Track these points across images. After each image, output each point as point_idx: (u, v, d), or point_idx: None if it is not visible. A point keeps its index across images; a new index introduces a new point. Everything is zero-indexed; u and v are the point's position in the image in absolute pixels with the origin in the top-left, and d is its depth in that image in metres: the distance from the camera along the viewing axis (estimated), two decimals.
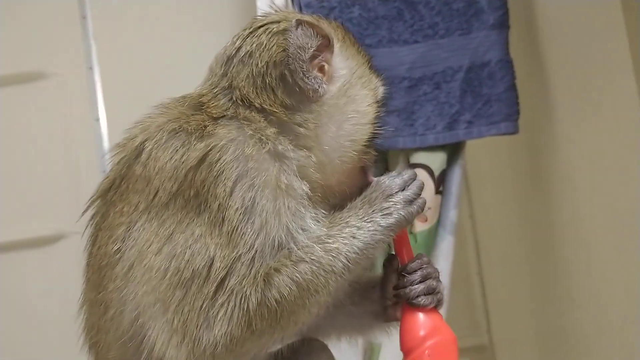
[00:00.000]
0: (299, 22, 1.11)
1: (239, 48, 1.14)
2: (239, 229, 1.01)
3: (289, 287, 1.02)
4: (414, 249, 2.12)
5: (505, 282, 2.88)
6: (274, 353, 1.14)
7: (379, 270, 1.28)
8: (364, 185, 1.17)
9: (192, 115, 1.09)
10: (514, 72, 2.19)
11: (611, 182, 1.98)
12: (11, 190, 3.12)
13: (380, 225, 1.10)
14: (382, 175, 1.18)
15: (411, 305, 1.14)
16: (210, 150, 1.03)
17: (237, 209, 1.01)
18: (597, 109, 2.00)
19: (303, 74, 1.10)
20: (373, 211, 1.11)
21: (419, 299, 1.13)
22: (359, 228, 1.09)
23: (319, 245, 1.06)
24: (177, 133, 1.05)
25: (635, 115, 1.82)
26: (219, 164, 1.02)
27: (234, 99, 1.11)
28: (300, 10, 2.06)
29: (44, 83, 3.17)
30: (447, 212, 2.22)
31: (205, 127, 1.06)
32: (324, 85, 1.12)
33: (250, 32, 1.15)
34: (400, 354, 1.12)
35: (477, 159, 2.94)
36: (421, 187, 1.15)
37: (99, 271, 1.12)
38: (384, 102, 1.23)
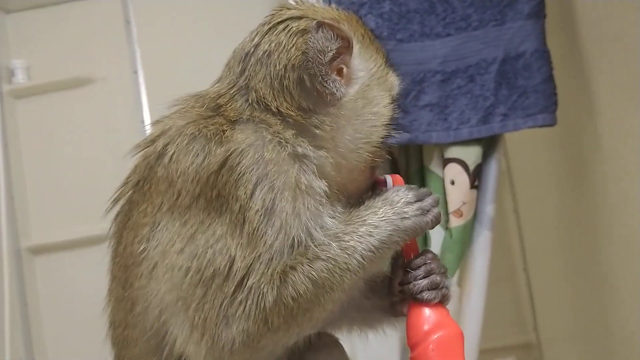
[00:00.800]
0: (320, 24, 1.09)
1: (257, 45, 1.13)
2: (260, 229, 1.02)
3: (305, 285, 1.03)
4: (449, 244, 2.12)
5: (552, 278, 2.81)
6: (291, 347, 1.15)
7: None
8: (372, 184, 1.18)
9: (210, 117, 1.10)
10: (551, 63, 2.13)
11: None
12: (62, 192, 3.25)
13: (398, 227, 1.11)
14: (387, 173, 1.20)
15: (416, 300, 1.14)
16: (230, 155, 1.04)
17: (257, 210, 1.02)
18: None
19: (322, 77, 1.09)
20: (393, 213, 1.11)
21: (423, 294, 1.13)
22: (376, 227, 1.09)
23: (336, 243, 1.07)
24: (196, 137, 1.06)
25: None
26: (239, 167, 1.03)
27: (251, 101, 1.11)
28: (330, 4, 2.06)
29: (91, 88, 3.29)
30: (484, 207, 2.17)
31: (224, 131, 1.06)
32: (342, 89, 1.11)
33: (270, 29, 1.14)
34: None
35: (519, 152, 2.89)
36: (437, 201, 1.17)
37: (125, 269, 1.15)
38: (399, 99, 1.22)
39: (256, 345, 1.04)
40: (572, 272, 2.56)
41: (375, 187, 1.20)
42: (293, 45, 1.10)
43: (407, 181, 2.25)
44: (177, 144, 1.07)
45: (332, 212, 1.12)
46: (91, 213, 3.15)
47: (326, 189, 1.10)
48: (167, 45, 3.28)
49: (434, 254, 1.19)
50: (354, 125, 1.13)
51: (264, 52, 1.12)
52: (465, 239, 2.14)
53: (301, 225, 1.05)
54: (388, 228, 1.10)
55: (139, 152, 1.17)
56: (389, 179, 1.20)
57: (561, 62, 2.19)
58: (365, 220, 1.10)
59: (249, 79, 1.12)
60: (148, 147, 1.14)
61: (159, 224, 1.08)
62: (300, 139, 1.09)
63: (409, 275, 1.16)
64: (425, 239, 2.21)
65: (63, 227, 3.17)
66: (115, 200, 1.20)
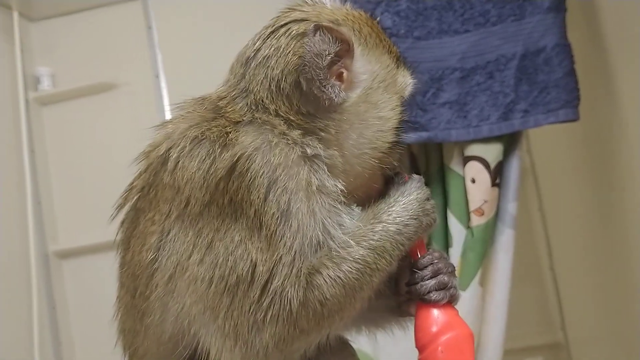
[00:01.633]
0: (317, 27, 1.06)
1: (258, 50, 1.11)
2: (277, 232, 1.01)
3: (332, 287, 1.02)
4: (471, 243, 2.10)
5: (579, 276, 2.76)
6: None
7: None
8: (382, 191, 1.15)
9: (213, 119, 1.08)
10: (572, 57, 2.09)
11: None
12: (89, 197, 3.28)
13: (421, 224, 1.11)
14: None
15: (423, 301, 1.11)
16: (238, 160, 1.02)
17: (273, 213, 1.01)
18: None
19: (319, 82, 1.05)
20: (422, 210, 1.11)
21: (430, 295, 1.11)
22: (406, 225, 1.08)
23: (364, 243, 1.05)
24: (200, 141, 1.05)
25: None
26: (249, 173, 1.01)
27: (250, 103, 1.09)
28: (345, 3, 2.04)
29: (115, 93, 3.32)
30: (506, 205, 2.14)
31: (228, 133, 1.05)
32: (342, 94, 1.07)
33: (272, 32, 1.12)
34: None
35: (543, 149, 2.84)
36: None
37: (134, 278, 1.14)
38: (415, 98, 1.20)
39: (289, 349, 1.03)
40: (600, 270, 2.51)
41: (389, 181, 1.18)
42: (290, 50, 1.08)
43: (428, 180, 2.25)
44: (181, 148, 1.06)
45: (351, 211, 1.10)
46: (117, 217, 3.20)
47: (342, 187, 1.08)
48: (188, 49, 3.30)
49: (441, 252, 1.17)
50: (358, 130, 1.10)
51: (264, 57, 1.10)
52: (487, 238, 2.12)
53: (318, 224, 1.04)
54: (416, 225, 1.09)
55: (144, 157, 1.15)
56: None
57: (583, 55, 2.14)
58: (395, 218, 1.09)
59: (249, 83, 1.11)
60: (152, 151, 1.13)
61: (168, 233, 1.07)
62: (309, 138, 1.08)
63: (416, 276, 1.13)
64: (447, 238, 2.18)
65: (89, 231, 3.21)
66: (120, 207, 1.19)
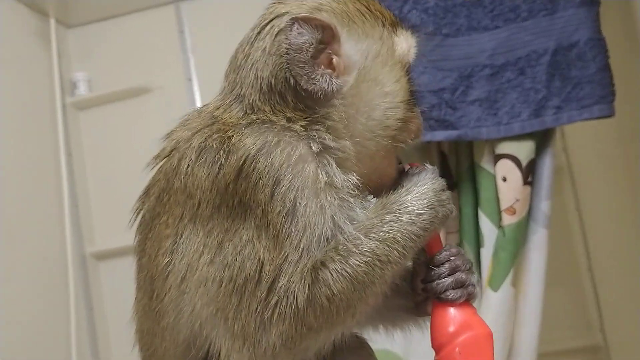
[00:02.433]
0: (293, 20, 1.03)
1: (248, 55, 1.09)
2: (284, 231, 1.00)
3: (339, 282, 0.99)
4: (503, 242, 2.05)
5: (619, 277, 2.69)
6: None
7: None
8: (396, 183, 1.11)
9: (213, 124, 1.08)
10: (607, 51, 2.04)
11: None
12: (125, 199, 3.32)
13: (437, 215, 1.06)
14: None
15: (440, 300, 1.07)
16: (244, 163, 1.01)
17: (279, 212, 1.00)
18: None
19: (307, 76, 1.03)
20: (437, 200, 1.06)
21: (447, 293, 1.06)
22: (419, 214, 1.04)
23: (372, 235, 1.02)
24: (204, 149, 1.04)
25: None
26: (255, 174, 1.00)
27: (244, 107, 1.08)
28: None
29: (149, 96, 3.36)
30: (538, 203, 2.09)
31: (230, 138, 1.04)
32: (336, 81, 1.04)
33: (258, 33, 1.10)
34: None
35: (580, 147, 2.77)
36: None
37: (152, 281, 1.14)
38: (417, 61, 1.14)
39: (298, 348, 1.01)
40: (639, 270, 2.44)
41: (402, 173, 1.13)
42: (274, 50, 1.06)
43: (458, 179, 2.22)
44: (188, 157, 1.06)
45: (363, 203, 1.07)
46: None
47: (354, 179, 1.05)
48: (220, 52, 3.30)
49: (459, 248, 1.12)
50: (364, 112, 1.07)
51: (253, 60, 1.08)
52: (519, 237, 2.07)
53: (327, 221, 1.02)
54: (431, 214, 1.05)
55: (155, 163, 1.16)
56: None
57: (618, 50, 2.08)
58: (407, 207, 1.04)
59: (241, 88, 1.09)
60: (164, 159, 1.13)
61: (181, 236, 1.07)
62: (315, 129, 1.05)
63: (432, 273, 1.09)
64: (478, 238, 2.15)
65: (126, 233, 3.24)
66: (138, 211, 1.20)
